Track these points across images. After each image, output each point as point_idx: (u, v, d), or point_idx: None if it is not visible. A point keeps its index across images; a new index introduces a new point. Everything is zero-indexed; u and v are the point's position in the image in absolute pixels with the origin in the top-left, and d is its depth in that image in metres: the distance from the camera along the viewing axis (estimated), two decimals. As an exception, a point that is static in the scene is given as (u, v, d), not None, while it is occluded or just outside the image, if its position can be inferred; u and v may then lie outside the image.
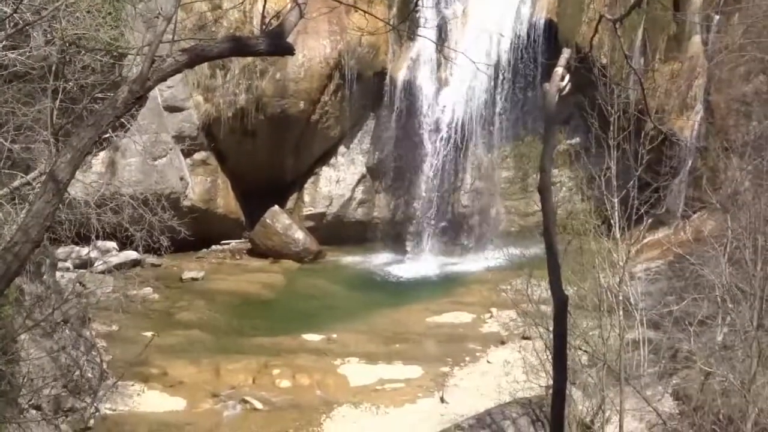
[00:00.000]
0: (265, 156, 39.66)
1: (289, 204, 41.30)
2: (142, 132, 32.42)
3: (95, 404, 23.36)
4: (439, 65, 40.37)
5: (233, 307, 34.22)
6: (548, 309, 21.36)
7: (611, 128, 20.98)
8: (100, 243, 29.75)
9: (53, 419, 21.20)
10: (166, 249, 26.99)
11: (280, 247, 39.36)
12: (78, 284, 30.01)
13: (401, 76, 40.23)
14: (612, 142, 20.96)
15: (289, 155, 40.50)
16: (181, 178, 38.56)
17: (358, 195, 41.64)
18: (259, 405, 25.82)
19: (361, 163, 41.42)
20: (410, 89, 40.22)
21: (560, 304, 9.04)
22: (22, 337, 20.21)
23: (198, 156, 39.49)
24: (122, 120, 22.98)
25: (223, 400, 26.13)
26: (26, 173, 20.31)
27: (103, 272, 31.39)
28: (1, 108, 20.76)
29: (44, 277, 24.35)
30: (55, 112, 20.54)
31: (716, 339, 22.60)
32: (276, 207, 39.97)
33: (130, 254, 34.14)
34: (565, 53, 9.92)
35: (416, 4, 29.24)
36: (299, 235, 39.69)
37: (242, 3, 37.09)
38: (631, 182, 21.18)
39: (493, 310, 32.36)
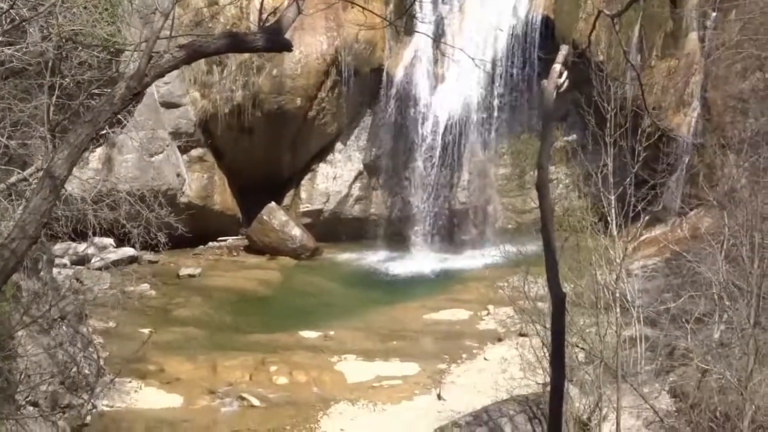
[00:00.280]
0: (261, 152, 39.64)
1: (286, 200, 41.28)
2: (139, 128, 32.41)
3: (92, 401, 23.36)
4: (435, 61, 40.36)
5: (230, 304, 34.21)
6: (545, 306, 21.39)
7: (608, 125, 20.98)
8: (97, 239, 29.71)
9: (50, 416, 21.18)
10: (163, 245, 26.94)
11: (276, 243, 39.35)
12: (75, 281, 30.06)
13: (398, 72, 40.22)
14: (609, 139, 20.97)
15: (286, 152, 40.48)
16: (178, 175, 38.54)
17: (355, 192, 41.62)
18: (256, 402, 25.80)
19: (358, 159, 41.41)
20: (407, 85, 40.21)
21: (558, 301, 9.03)
22: (20, 333, 20.18)
23: (195, 152, 39.46)
24: (119, 116, 22.97)
25: (220, 396, 26.11)
26: (23, 169, 20.27)
27: (100, 269, 31.40)
28: (-3, 104, 20.75)
29: (41, 273, 24.30)
30: (52, 108, 20.50)
31: (713, 336, 22.62)
32: (273, 204, 39.96)
33: (127, 251, 34.14)
34: (563, 50, 9.91)
35: (413, 3, 29.17)
36: (296, 231, 39.68)
37: (239, -1, 37.16)
38: (628, 179, 21.19)
39: (490, 307, 32.36)
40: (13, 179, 19.72)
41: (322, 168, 41.30)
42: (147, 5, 29.06)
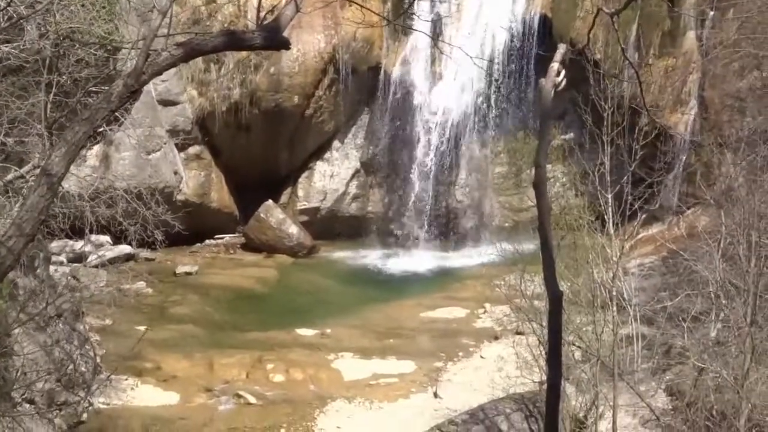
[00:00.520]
0: (259, 150, 39.63)
1: (283, 198, 41.29)
2: (136, 126, 32.35)
3: (89, 398, 23.33)
4: (433, 60, 40.39)
5: (227, 302, 34.23)
6: (542, 304, 21.40)
7: (605, 123, 20.99)
8: (93, 237, 29.68)
9: (47, 413, 21.17)
10: (159, 243, 26.93)
11: (274, 241, 39.36)
12: (72, 278, 30.03)
13: (395, 70, 40.25)
14: (606, 138, 20.97)
15: (284, 150, 40.49)
16: (175, 172, 38.53)
17: (352, 190, 41.64)
18: (252, 399, 25.80)
19: (355, 157, 41.43)
20: (404, 84, 40.23)
21: (555, 300, 9.05)
22: (16, 331, 20.17)
23: (192, 150, 39.46)
24: (116, 114, 22.93)
25: (217, 394, 26.10)
26: (20, 166, 20.29)
27: (96, 266, 31.40)
28: (-6, 102, 20.75)
29: (38, 271, 24.28)
30: (49, 106, 20.51)
31: (710, 335, 22.62)
32: (270, 201, 39.97)
33: (124, 248, 34.13)
34: (561, 49, 9.93)
35: (412, 2, 29.19)
36: (293, 229, 39.69)
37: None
38: (625, 177, 21.19)
39: (487, 305, 32.39)
40: (10, 176, 19.73)
41: (320, 166, 41.31)
42: (144, 3, 29.01)
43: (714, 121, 34.82)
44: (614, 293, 21.27)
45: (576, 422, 21.67)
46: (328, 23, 38.65)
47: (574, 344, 21.86)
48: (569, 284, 21.97)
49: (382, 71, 40.16)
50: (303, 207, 41.18)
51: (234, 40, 10.44)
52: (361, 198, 41.85)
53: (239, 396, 25.91)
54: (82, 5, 23.39)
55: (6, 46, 20.92)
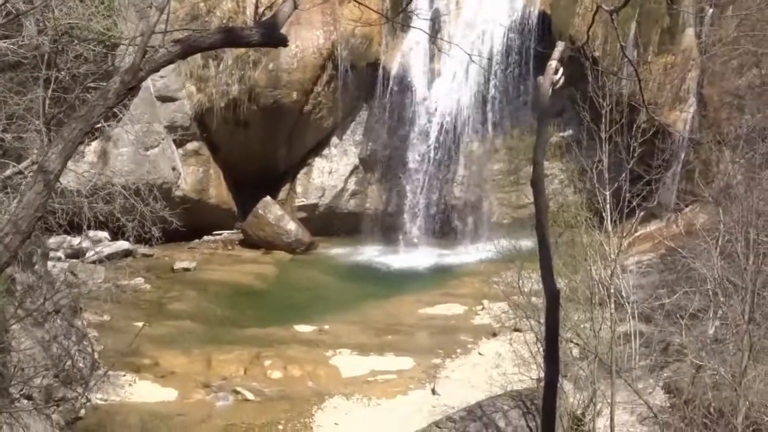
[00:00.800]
0: (257, 146, 39.63)
1: (282, 195, 41.29)
2: (135, 122, 32.39)
3: (86, 394, 23.33)
4: (432, 56, 40.37)
5: (225, 298, 34.22)
6: (539, 301, 21.38)
7: (603, 121, 20.98)
8: (91, 233, 29.70)
9: (44, 409, 21.17)
10: (157, 239, 26.92)
11: (272, 237, 39.36)
12: (69, 274, 30.00)
13: (394, 67, 40.22)
14: (604, 135, 20.96)
15: (282, 146, 40.48)
16: (173, 168, 38.52)
17: (351, 186, 41.64)
18: (250, 396, 25.80)
19: (353, 154, 41.42)
20: (403, 80, 40.22)
21: (552, 297, 9.04)
22: (14, 326, 20.18)
23: (190, 146, 39.45)
24: (115, 110, 22.95)
25: (215, 390, 26.10)
26: (18, 162, 20.28)
27: (94, 262, 31.37)
28: (-7, 97, 20.75)
29: (36, 266, 24.31)
30: (47, 102, 20.52)
31: (708, 332, 22.63)
32: (268, 198, 39.96)
33: (122, 244, 34.12)
34: (559, 46, 9.91)
35: (410, 1, 29.18)
36: (291, 226, 39.69)
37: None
38: (623, 175, 21.17)
39: (485, 302, 32.40)
40: (8, 172, 19.73)
41: (318, 162, 41.30)
42: (143, -1, 29.08)
43: (713, 118, 34.82)
44: (612, 290, 21.27)
45: (574, 419, 21.67)
46: (327, 19, 38.64)
47: (571, 341, 21.87)
48: (567, 281, 21.99)
49: (380, 68, 40.14)
50: (301, 203, 41.18)
51: (231, 37, 10.43)
52: (359, 194, 41.86)
53: (237, 392, 25.92)
54: (81, 0, 23.40)
55: (4, 42, 20.92)
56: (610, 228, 21.42)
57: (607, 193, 21.08)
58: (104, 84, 10.07)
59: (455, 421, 22.09)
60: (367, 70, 40.04)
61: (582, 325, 21.67)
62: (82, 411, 23.73)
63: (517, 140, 37.71)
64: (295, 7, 9.77)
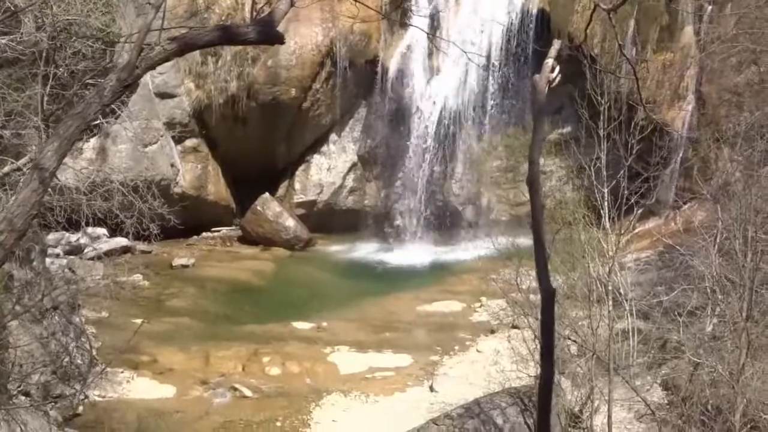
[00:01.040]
0: (256, 143, 39.62)
1: (280, 191, 41.29)
2: (133, 118, 32.40)
3: (84, 391, 23.36)
4: (430, 53, 40.35)
5: (223, 295, 34.24)
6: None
7: (601, 118, 20.97)
8: (90, 229, 29.73)
9: (42, 405, 21.17)
10: (156, 236, 26.93)
11: (270, 234, 39.37)
12: (68, 270, 30.05)
13: (393, 64, 40.21)
14: (602, 132, 20.95)
15: (281, 142, 40.47)
16: (172, 165, 38.52)
17: (349, 183, 41.64)
18: (248, 392, 25.81)
19: (352, 151, 41.42)
20: (402, 77, 40.21)
21: (547, 296, 9.05)
22: (12, 323, 20.18)
23: (189, 143, 39.46)
24: (113, 106, 22.95)
25: (213, 387, 26.10)
26: (17, 159, 20.27)
27: (92, 259, 31.39)
28: (-9, 94, 20.75)
29: (34, 263, 24.29)
30: (46, 98, 20.55)
31: (705, 329, 22.62)
32: (267, 194, 39.97)
33: (120, 241, 34.14)
34: (556, 44, 9.91)
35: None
36: (290, 222, 39.69)
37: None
38: (621, 172, 21.17)
39: (483, 299, 32.40)
40: (6, 169, 19.72)
41: (317, 159, 41.30)
42: (142, -5, 29.08)
43: (711, 116, 34.81)
44: (610, 288, 21.26)
45: (571, 416, 21.67)
46: (326, 16, 38.62)
47: (569, 339, 21.88)
48: (565, 278, 21.99)
49: (379, 64, 40.13)
50: (300, 200, 41.17)
51: (228, 35, 10.42)
52: (357, 191, 41.86)
53: (235, 389, 25.92)
54: (80, -3, 23.41)
55: (3, 38, 20.94)
56: (608, 225, 21.42)
57: (606, 190, 21.08)
58: (102, 81, 10.07)
59: (453, 418, 22.07)
60: (366, 67, 40.03)
61: (580, 323, 21.67)
62: (80, 407, 23.75)
63: (516, 138, 37.70)
64: (292, 4, 9.76)
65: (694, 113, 35.79)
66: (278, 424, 24.35)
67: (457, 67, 39.61)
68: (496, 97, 39.88)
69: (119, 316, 29.90)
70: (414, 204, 40.69)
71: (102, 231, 32.85)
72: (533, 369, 22.05)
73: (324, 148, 41.25)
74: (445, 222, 41.01)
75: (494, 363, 24.84)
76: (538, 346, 20.80)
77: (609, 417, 20.20)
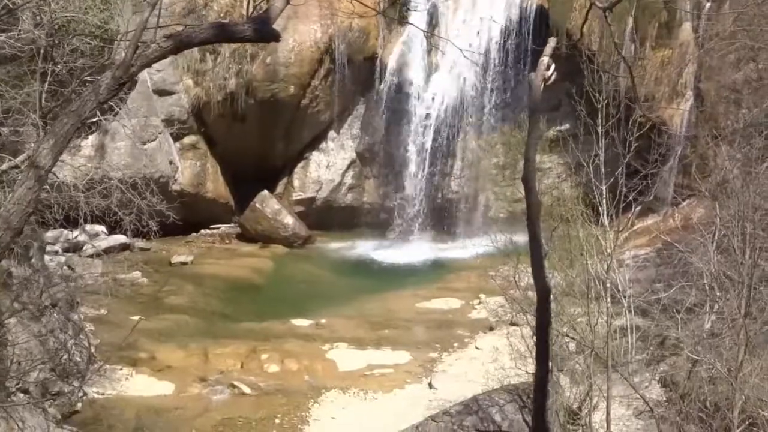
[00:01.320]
0: (255, 140, 39.61)
1: (279, 189, 41.29)
2: (132, 116, 32.38)
3: (83, 388, 23.36)
4: (429, 51, 40.34)
5: (222, 292, 34.23)
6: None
7: (599, 115, 20.96)
8: (88, 227, 29.72)
9: (41, 403, 21.18)
10: (154, 233, 26.93)
11: (269, 231, 39.37)
12: (66, 268, 30.06)
13: (392, 60, 40.20)
14: (600, 129, 20.94)
15: (279, 140, 40.47)
16: (171, 162, 38.52)
17: (348, 180, 41.64)
18: (247, 390, 25.80)
19: (351, 148, 41.41)
20: (400, 74, 40.20)
21: (543, 295, 9.06)
22: (10, 320, 20.18)
23: (187, 140, 39.47)
24: (111, 103, 22.97)
25: (212, 384, 26.10)
26: (15, 156, 20.26)
27: (91, 256, 31.40)
28: (-11, 91, 20.75)
29: (32, 260, 24.29)
30: (44, 96, 20.52)
31: (704, 326, 22.60)
32: (265, 192, 39.97)
33: (119, 238, 34.16)
34: (551, 42, 9.92)
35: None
36: (289, 219, 39.69)
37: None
38: (620, 169, 21.16)
39: (482, 296, 32.41)
40: (4, 166, 19.73)
41: (315, 156, 41.30)
42: (140, -8, 29.03)
43: (710, 113, 34.81)
44: (608, 285, 21.25)
45: (570, 414, 21.66)
46: (324, 13, 38.61)
47: (568, 335, 21.87)
48: (563, 275, 21.99)
49: (378, 61, 40.13)
50: (298, 197, 41.17)
51: (224, 33, 10.41)
52: (356, 188, 41.86)
53: (234, 386, 25.92)
54: (77, -6, 23.41)
55: (1, 36, 20.91)
56: (606, 222, 21.41)
57: (604, 187, 21.06)
58: (98, 78, 10.08)
59: (452, 415, 22.09)
60: (365, 64, 40.03)
61: (578, 320, 21.66)
62: (79, 405, 23.75)
63: (514, 135, 37.69)
64: (288, 2, 9.75)
65: (693, 110, 35.80)
66: (277, 421, 24.36)
67: (456, 65, 39.60)
68: (494, 94, 39.86)
69: (118, 314, 29.92)
70: (413, 201, 40.69)
71: (101, 228, 32.85)
72: (532, 366, 22.02)
73: (323, 145, 41.25)
74: (443, 219, 41.02)
75: (493, 360, 24.86)
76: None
77: (608, 414, 20.21)
